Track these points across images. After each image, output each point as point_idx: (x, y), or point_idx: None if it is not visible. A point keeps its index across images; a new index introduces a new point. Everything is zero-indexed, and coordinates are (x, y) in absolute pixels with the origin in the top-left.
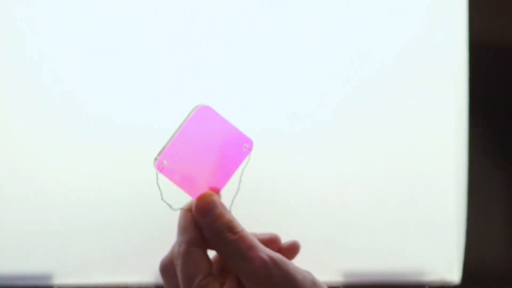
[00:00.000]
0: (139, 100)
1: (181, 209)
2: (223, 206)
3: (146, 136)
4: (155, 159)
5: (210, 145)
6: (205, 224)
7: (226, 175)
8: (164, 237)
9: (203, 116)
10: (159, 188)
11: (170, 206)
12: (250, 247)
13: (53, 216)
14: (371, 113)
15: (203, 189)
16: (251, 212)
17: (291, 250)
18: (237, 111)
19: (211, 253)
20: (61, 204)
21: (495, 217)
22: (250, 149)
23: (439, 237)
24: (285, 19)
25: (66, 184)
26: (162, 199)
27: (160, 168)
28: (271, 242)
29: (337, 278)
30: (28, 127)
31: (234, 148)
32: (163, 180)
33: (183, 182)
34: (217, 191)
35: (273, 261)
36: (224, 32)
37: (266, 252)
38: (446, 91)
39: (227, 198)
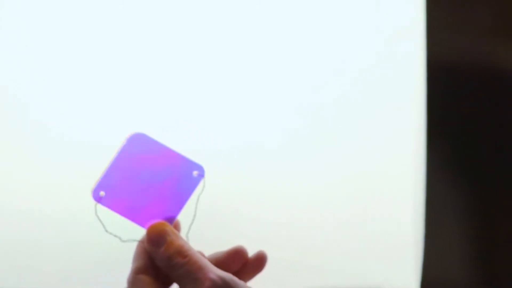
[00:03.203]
0: (110, 115)
1: (136, 241)
2: (174, 233)
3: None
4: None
5: (153, 173)
6: (156, 253)
7: (179, 203)
8: None
9: (137, 143)
10: (100, 220)
11: (120, 238)
12: (200, 268)
13: (25, 233)
14: (328, 135)
15: (155, 219)
16: (211, 234)
17: (259, 261)
18: (200, 129)
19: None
20: (29, 220)
21: (453, 235)
22: (202, 176)
23: (398, 255)
24: (249, 42)
25: (38, 200)
26: (106, 231)
27: (98, 199)
28: (237, 254)
29: None
30: None
31: (183, 175)
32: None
33: (130, 213)
34: (170, 220)
35: (224, 281)
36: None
37: (217, 273)
38: (404, 111)
39: (185, 224)
